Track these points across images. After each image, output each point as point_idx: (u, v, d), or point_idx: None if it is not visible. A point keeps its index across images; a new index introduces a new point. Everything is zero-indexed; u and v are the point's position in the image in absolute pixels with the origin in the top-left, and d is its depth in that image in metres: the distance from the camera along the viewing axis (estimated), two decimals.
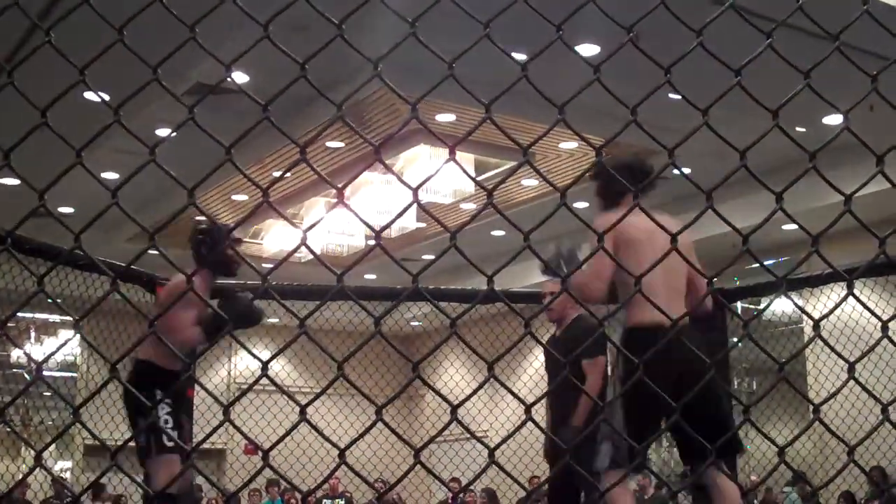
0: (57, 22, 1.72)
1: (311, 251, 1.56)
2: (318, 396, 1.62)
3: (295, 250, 1.64)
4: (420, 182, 1.76)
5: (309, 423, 1.53)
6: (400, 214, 1.73)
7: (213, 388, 14.87)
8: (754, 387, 16.12)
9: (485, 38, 1.63)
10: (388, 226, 1.86)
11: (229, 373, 18.57)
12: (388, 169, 1.70)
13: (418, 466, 1.58)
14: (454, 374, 10.49)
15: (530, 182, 13.50)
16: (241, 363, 18.53)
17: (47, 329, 16.99)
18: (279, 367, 17.58)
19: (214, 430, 1.55)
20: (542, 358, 6.30)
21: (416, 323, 17.92)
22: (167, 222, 1.72)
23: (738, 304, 8.02)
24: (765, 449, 6.70)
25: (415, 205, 1.62)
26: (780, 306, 11.23)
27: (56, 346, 16.70)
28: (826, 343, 1.75)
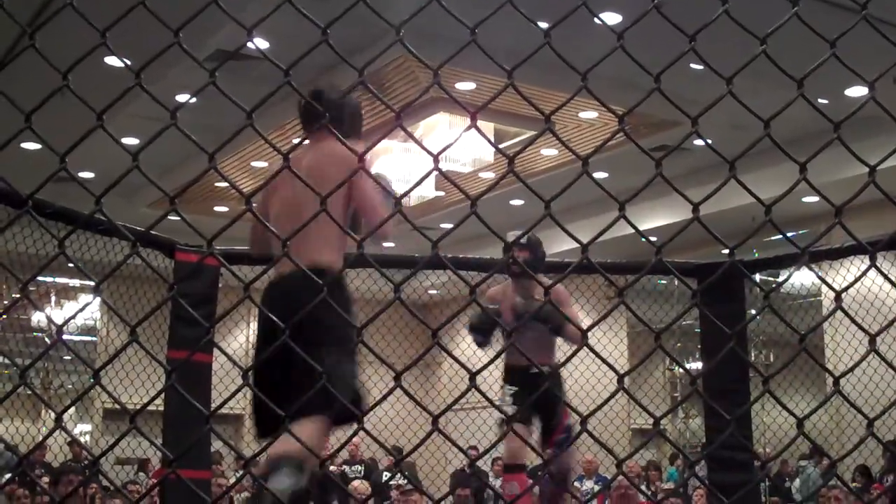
0: None
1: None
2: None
3: (425, 176, 1.64)
4: (441, 149, 1.76)
5: (328, 386, 1.54)
6: (420, 181, 1.73)
7: (233, 354, 14.99)
8: (771, 359, 16.09)
9: (507, 4, 1.62)
10: (408, 192, 1.86)
11: (248, 338, 18.69)
12: (409, 135, 1.70)
13: (435, 434, 1.59)
14: (471, 343, 10.49)
15: (550, 151, 13.44)
16: (253, 334, 18.56)
17: (67, 293, 17.10)
18: None
19: (234, 393, 1.56)
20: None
21: (434, 291, 17.95)
22: (187, 186, 1.73)
23: (757, 276, 7.98)
24: (781, 421, 6.70)
25: (434, 173, 1.61)
26: (799, 279, 11.17)
27: (76, 310, 16.83)
28: (847, 315, 1.75)
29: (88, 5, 1.65)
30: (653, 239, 1.81)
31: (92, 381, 1.55)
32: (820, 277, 2.01)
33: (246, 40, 1.66)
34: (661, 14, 1.70)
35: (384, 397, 1.53)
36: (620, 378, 1.62)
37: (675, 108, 1.88)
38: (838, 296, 1.75)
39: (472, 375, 1.56)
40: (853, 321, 1.86)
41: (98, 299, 1.58)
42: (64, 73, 1.61)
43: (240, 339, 18.36)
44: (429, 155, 1.57)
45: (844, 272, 6.73)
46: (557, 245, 6.35)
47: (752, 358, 13.59)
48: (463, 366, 1.65)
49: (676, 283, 12.86)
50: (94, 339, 16.04)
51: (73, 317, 1.96)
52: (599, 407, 1.76)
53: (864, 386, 5.12)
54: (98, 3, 2.09)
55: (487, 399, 1.70)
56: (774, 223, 1.65)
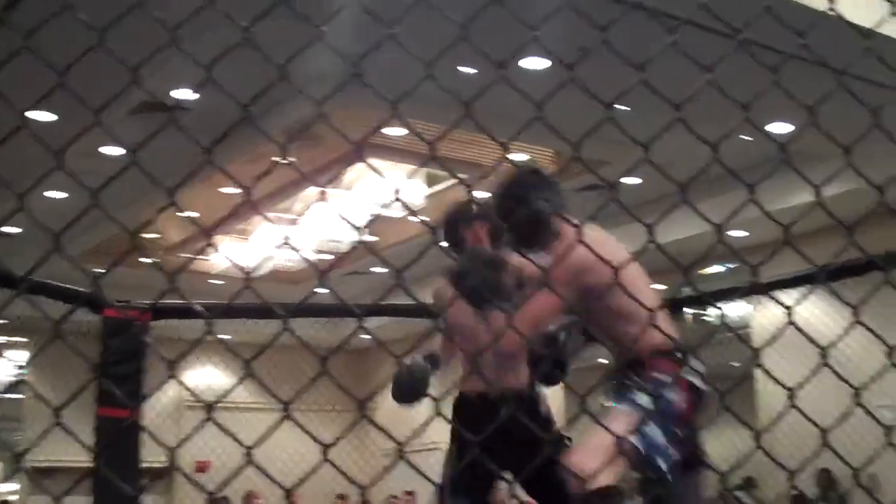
0: None
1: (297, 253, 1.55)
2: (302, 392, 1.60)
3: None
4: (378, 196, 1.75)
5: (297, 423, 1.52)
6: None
7: (162, 410, 14.67)
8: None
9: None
10: (371, 223, 1.85)
11: (178, 393, 18.36)
12: (375, 169, 1.69)
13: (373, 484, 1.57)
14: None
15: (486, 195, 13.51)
16: (188, 382, 18.27)
17: None
18: (228, 384, 17.21)
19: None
20: None
21: (367, 336, 17.80)
22: (148, 222, 1.68)
23: (687, 311, 8.10)
24: (714, 454, 6.75)
25: (366, 219, 1.61)
26: (726, 311, 11.35)
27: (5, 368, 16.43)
28: (799, 329, 1.78)
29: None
30: None
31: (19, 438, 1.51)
32: (775, 299, 2.03)
33: (206, 77, 1.64)
34: (611, 48, 1.73)
35: (312, 472, 1.50)
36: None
37: (601, 148, 1.91)
38: (789, 311, 1.78)
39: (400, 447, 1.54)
40: (805, 335, 1.89)
41: (27, 355, 1.54)
42: None
43: (169, 393, 18.03)
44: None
45: (773, 306, 6.84)
46: None
47: None
48: (391, 437, 1.63)
49: None
50: (20, 396, 15.66)
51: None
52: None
53: (792, 420, 5.16)
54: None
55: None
56: (727, 243, 1.68)
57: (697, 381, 3.18)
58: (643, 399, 3.11)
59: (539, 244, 3.26)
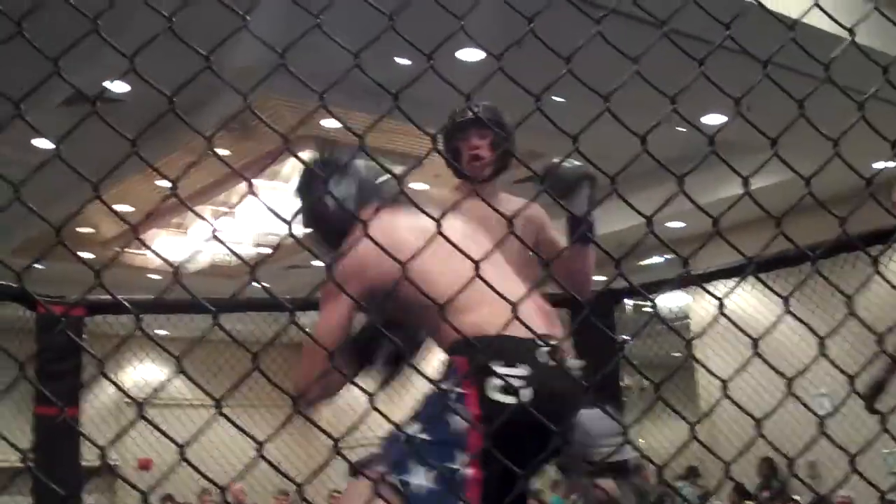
0: None
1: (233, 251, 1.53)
2: (229, 389, 1.58)
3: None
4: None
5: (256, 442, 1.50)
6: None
7: (101, 406, 14.49)
8: (645, 383, 16.43)
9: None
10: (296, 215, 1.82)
11: (117, 390, 18.08)
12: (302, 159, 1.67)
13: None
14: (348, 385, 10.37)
15: (420, 186, 13.54)
16: (128, 380, 18.03)
17: None
18: (175, 382, 16.98)
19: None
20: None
21: (310, 329, 17.68)
22: (73, 215, 1.63)
23: (627, 302, 8.18)
24: (657, 445, 6.84)
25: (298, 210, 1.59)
26: (665, 301, 11.49)
27: None
28: (729, 319, 1.80)
29: None
30: None
31: None
32: (707, 290, 2.05)
33: (130, 68, 1.61)
34: (544, 45, 1.73)
35: (245, 469, 1.49)
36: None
37: (535, 140, 1.91)
38: (721, 302, 1.80)
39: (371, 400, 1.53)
40: (736, 325, 1.91)
41: None
42: None
43: (109, 391, 17.77)
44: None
45: (709, 298, 6.93)
46: None
47: (626, 381, 13.89)
48: (327, 435, 1.62)
49: None
50: None
51: None
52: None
53: (733, 409, 5.24)
54: None
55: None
56: (657, 234, 1.69)
57: (499, 396, 2.27)
58: (412, 428, 2.29)
59: (330, 243, 2.76)
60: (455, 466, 2.21)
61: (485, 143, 3.40)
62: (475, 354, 2.27)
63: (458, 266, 1.94)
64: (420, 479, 2.21)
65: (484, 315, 2.26)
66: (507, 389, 2.25)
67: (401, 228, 2.52)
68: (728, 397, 1.67)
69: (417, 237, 2.09)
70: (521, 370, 2.29)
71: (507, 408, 2.19)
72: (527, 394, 2.25)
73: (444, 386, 2.29)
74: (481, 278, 1.67)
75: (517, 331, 1.94)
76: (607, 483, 2.91)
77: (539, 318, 2.44)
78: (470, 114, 3.36)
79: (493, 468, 2.07)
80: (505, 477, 1.75)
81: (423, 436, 2.25)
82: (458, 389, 2.28)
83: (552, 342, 2.38)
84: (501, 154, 3.39)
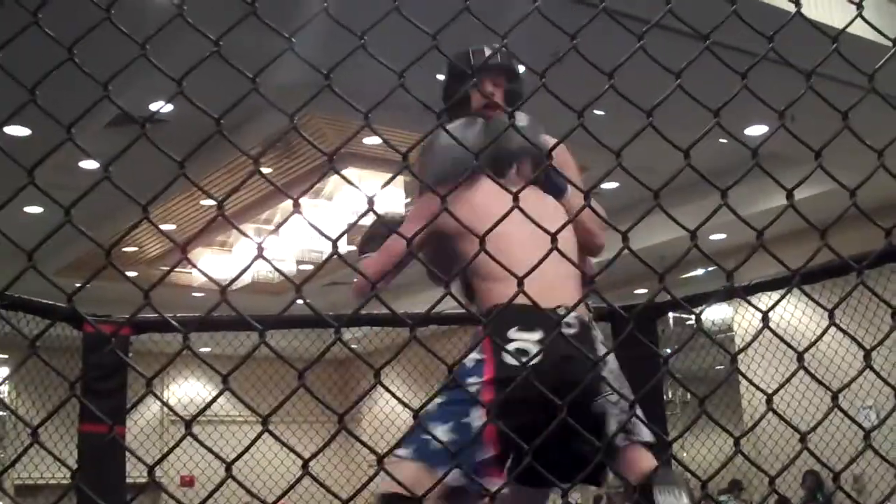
0: None
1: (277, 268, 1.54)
2: (277, 407, 1.59)
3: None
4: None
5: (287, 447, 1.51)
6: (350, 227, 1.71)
7: (146, 425, 14.61)
8: (688, 397, 16.30)
9: (414, 62, 1.62)
10: (343, 233, 1.84)
11: (161, 408, 18.24)
12: (346, 180, 1.68)
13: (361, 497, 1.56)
14: (390, 400, 10.38)
15: None
16: (172, 397, 18.16)
17: None
18: (209, 397, 17.00)
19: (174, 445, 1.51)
20: None
21: (354, 346, 17.73)
22: (123, 236, 1.66)
23: (670, 315, 8.12)
24: (700, 459, 6.77)
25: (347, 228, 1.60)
26: (708, 314, 11.39)
27: None
28: (774, 332, 1.78)
29: None
30: None
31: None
32: (750, 303, 2.04)
33: (176, 91, 1.64)
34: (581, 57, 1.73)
35: (293, 485, 1.49)
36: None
37: (580, 154, 1.91)
38: (765, 315, 1.78)
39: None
40: (782, 340, 1.89)
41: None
42: None
43: (153, 408, 17.94)
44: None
45: (753, 310, 6.86)
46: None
47: (670, 396, 13.79)
48: (371, 449, 1.62)
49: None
50: (2, 413, 15.53)
51: None
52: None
53: (787, 405, 5.18)
54: None
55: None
56: (700, 248, 1.68)
57: (511, 359, 2.46)
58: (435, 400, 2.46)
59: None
60: (468, 420, 2.45)
61: (499, 90, 3.22)
62: (494, 321, 2.53)
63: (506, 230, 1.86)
64: (437, 432, 2.42)
65: (513, 285, 2.30)
66: (520, 353, 2.46)
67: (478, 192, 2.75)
68: (773, 410, 1.66)
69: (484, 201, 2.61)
70: (536, 334, 2.51)
71: (518, 370, 2.35)
72: (538, 356, 2.44)
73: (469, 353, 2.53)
74: (559, 251, 1.66)
75: (542, 300, 1.88)
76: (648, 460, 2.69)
77: (566, 288, 2.64)
78: (483, 58, 3.24)
79: (508, 423, 2.09)
80: (522, 433, 1.80)
81: (440, 399, 2.47)
82: (477, 356, 2.53)
83: (562, 310, 2.53)
84: (513, 101, 3.19)
